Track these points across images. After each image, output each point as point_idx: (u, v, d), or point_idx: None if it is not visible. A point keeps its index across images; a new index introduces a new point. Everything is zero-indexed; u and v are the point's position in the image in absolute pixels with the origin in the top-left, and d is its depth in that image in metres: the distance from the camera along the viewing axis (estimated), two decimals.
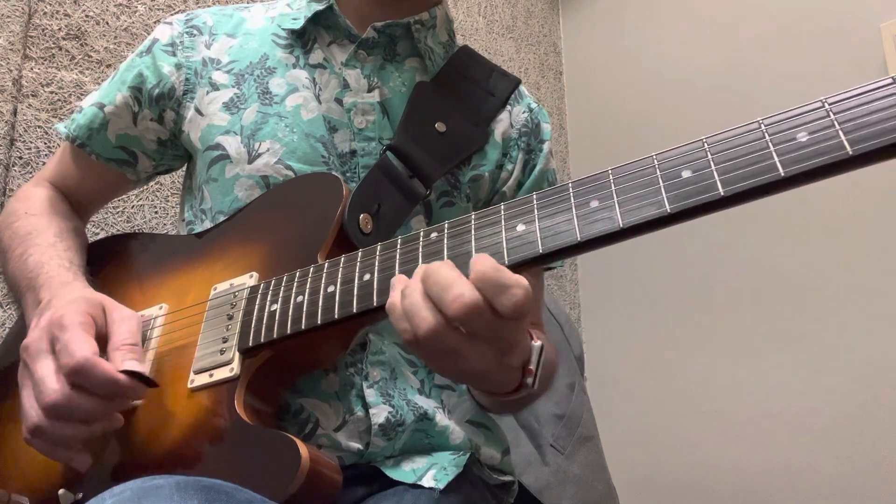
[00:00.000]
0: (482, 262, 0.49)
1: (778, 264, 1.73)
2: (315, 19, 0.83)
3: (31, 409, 0.59)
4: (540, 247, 0.50)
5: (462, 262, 0.53)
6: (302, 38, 0.83)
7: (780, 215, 1.71)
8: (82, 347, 0.58)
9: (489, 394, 0.61)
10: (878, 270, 1.56)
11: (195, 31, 0.85)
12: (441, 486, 0.68)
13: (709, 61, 1.98)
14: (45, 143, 1.24)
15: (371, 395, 0.71)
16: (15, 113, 1.23)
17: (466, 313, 0.48)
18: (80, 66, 1.31)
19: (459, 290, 0.48)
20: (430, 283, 0.50)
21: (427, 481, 0.69)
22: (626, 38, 2.25)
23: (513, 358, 0.53)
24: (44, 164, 1.21)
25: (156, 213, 1.35)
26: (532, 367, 0.57)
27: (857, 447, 1.55)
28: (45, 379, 0.58)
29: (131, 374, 0.59)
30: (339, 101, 0.79)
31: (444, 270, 0.50)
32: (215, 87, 0.81)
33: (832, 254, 1.63)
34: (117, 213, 1.31)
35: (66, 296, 0.65)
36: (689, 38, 2.05)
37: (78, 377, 0.58)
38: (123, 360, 0.60)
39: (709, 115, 1.91)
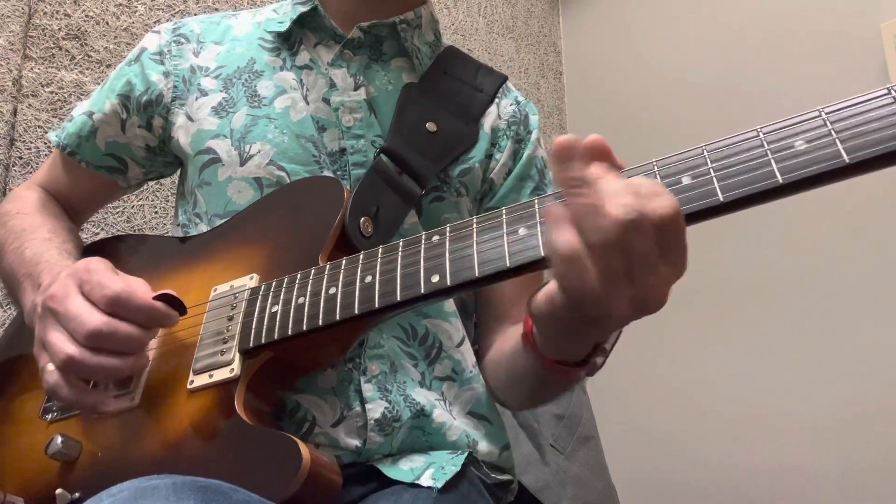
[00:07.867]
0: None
1: (778, 265, 1.73)
2: (300, 21, 0.84)
3: (63, 343, 0.60)
4: (542, 250, 0.51)
5: (464, 266, 0.54)
6: (288, 41, 0.84)
7: (779, 216, 1.71)
8: (116, 281, 0.62)
9: (551, 363, 0.60)
10: (878, 270, 1.56)
11: (183, 40, 0.86)
12: (439, 484, 0.68)
13: (709, 61, 1.98)
14: (45, 143, 1.24)
15: (368, 389, 0.71)
16: (15, 113, 1.23)
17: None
18: (80, 66, 1.31)
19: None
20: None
21: (425, 480, 0.69)
22: (626, 38, 2.25)
23: (610, 323, 0.50)
24: (44, 163, 1.21)
25: (156, 213, 1.35)
26: (607, 346, 0.57)
27: (857, 447, 1.55)
28: (81, 312, 0.60)
29: (166, 298, 0.62)
30: (326, 100, 0.80)
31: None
32: (204, 92, 0.82)
33: (832, 254, 1.63)
34: (117, 213, 1.31)
35: (74, 264, 0.66)
36: (689, 37, 2.05)
37: (116, 306, 0.60)
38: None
39: (709, 115, 1.91)
